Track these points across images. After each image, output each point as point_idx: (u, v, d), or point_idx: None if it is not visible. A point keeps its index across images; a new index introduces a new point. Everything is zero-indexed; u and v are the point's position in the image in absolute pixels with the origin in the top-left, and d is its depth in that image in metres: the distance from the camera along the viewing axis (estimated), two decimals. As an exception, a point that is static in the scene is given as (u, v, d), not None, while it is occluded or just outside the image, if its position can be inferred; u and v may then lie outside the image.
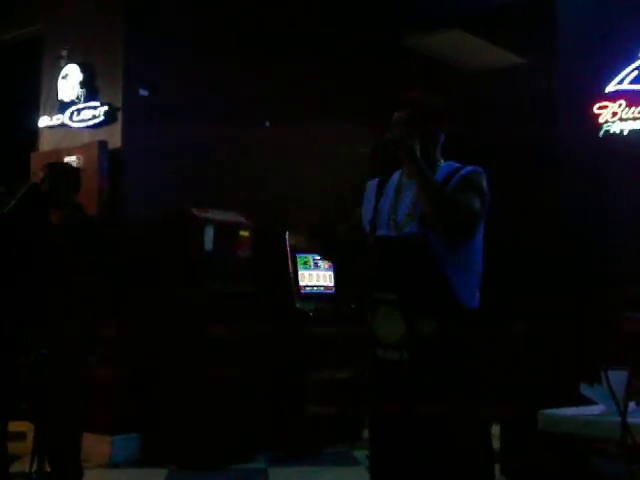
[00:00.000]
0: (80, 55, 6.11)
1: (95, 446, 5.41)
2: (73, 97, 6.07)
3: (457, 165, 2.70)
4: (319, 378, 6.03)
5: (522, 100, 6.99)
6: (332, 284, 6.45)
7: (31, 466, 4.19)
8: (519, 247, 5.99)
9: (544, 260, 5.66)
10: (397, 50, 7.15)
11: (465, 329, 2.57)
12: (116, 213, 5.70)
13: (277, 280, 6.16)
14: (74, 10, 6.23)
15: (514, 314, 5.27)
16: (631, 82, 5.61)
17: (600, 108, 5.68)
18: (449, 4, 6.57)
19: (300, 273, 6.20)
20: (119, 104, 5.88)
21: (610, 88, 5.66)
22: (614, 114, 5.62)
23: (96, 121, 5.92)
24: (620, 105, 5.60)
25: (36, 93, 6.42)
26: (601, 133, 5.65)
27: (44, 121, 6.31)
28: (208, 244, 5.67)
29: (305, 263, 6.27)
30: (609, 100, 5.64)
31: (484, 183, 2.62)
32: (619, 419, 2.76)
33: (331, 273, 6.46)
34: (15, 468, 4.68)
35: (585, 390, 3.15)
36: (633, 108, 5.57)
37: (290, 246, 6.14)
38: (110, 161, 5.76)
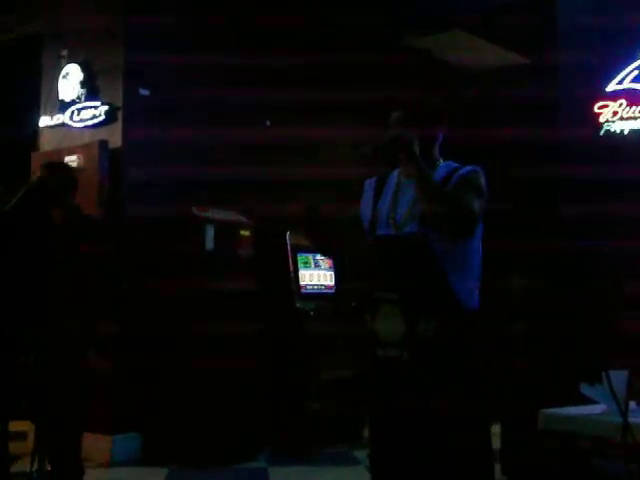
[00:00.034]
0: (81, 54, 6.11)
1: (96, 445, 5.41)
2: (73, 97, 6.07)
3: (456, 165, 2.70)
4: (319, 377, 6.03)
5: (523, 100, 6.98)
6: (332, 283, 6.45)
7: (32, 466, 4.20)
8: (519, 247, 5.98)
9: (544, 260, 5.66)
10: (397, 50, 7.14)
11: (465, 328, 2.57)
12: (116, 212, 5.70)
13: (277, 279, 6.16)
14: (74, 9, 6.23)
15: (514, 314, 5.27)
16: (632, 81, 5.61)
17: (601, 107, 5.68)
18: (449, 4, 6.57)
19: (301, 272, 6.21)
20: (119, 104, 5.88)
21: (611, 87, 5.66)
22: (615, 113, 5.62)
23: (96, 121, 5.92)
24: (621, 104, 5.60)
25: (36, 93, 6.42)
26: (602, 132, 5.65)
27: (44, 121, 6.31)
28: (209, 243, 5.67)
29: (305, 262, 6.28)
30: (610, 99, 5.64)
31: (483, 182, 2.63)
32: (620, 419, 2.76)
33: (332, 273, 6.47)
34: (16, 468, 4.69)
35: (586, 390, 3.15)
36: (634, 107, 5.57)
37: (291, 245, 6.15)
38: (110, 161, 5.76)
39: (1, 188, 4.20)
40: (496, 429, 4.86)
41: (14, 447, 4.61)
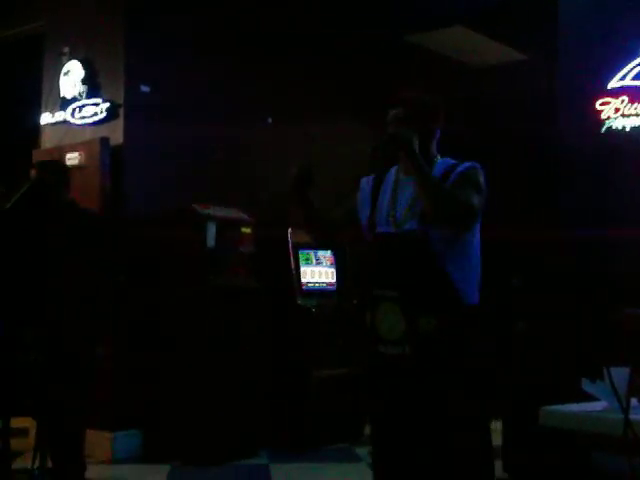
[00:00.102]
0: (82, 52, 6.11)
1: (97, 442, 5.42)
2: (75, 94, 6.07)
3: (453, 161, 2.71)
4: (321, 374, 6.03)
5: (524, 97, 6.98)
6: (334, 280, 6.45)
7: (33, 462, 4.20)
8: (519, 246, 5.98)
9: (544, 260, 5.66)
10: (398, 48, 7.14)
11: (466, 325, 2.58)
12: (118, 210, 5.70)
13: (279, 276, 6.16)
14: (75, 7, 6.23)
15: (514, 314, 5.28)
16: (633, 78, 5.59)
17: (602, 104, 5.67)
18: (450, 1, 6.56)
19: (302, 269, 6.21)
20: (121, 101, 5.88)
21: (612, 84, 5.64)
22: (616, 110, 5.61)
23: (98, 118, 5.92)
24: (622, 101, 5.59)
25: (38, 90, 6.42)
26: (603, 129, 5.65)
27: (46, 118, 6.31)
28: (210, 241, 5.67)
29: (307, 259, 6.28)
30: (611, 96, 5.63)
31: (482, 179, 2.64)
32: (621, 415, 2.76)
33: (333, 270, 6.46)
34: (17, 464, 4.69)
35: (587, 386, 3.15)
36: (636, 104, 5.56)
37: (292, 242, 6.15)
38: (112, 158, 5.77)
39: (1, 189, 4.20)
40: (497, 426, 4.87)
41: (16, 444, 4.61)
